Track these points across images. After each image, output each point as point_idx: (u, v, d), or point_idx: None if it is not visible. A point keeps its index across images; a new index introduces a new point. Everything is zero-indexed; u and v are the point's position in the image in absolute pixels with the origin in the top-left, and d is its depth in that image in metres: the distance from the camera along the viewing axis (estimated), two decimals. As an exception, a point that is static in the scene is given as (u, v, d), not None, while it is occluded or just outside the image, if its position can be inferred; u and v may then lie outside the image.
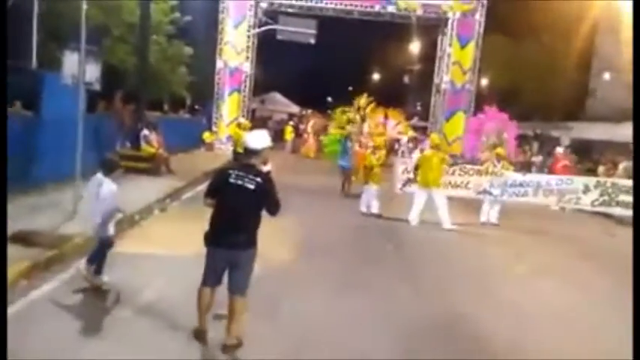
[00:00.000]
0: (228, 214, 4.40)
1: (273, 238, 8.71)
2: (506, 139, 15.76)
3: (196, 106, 30.35)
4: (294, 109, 41.30)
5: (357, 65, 49.09)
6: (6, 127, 5.97)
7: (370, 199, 10.93)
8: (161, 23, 16.77)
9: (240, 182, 4.31)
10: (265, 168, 4.52)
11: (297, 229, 9.23)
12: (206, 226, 4.57)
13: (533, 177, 11.43)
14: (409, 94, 49.70)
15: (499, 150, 12.09)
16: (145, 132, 14.31)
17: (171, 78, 19.19)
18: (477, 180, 11.05)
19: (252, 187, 4.29)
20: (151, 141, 14.33)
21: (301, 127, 31.26)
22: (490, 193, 11.07)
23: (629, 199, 10.96)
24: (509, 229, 10.79)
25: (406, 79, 50.02)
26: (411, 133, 22.45)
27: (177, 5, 18.69)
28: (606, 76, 27.12)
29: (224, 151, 22.14)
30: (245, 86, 24.05)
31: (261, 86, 40.44)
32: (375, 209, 10.87)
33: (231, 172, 4.42)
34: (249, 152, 4.43)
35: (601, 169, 17.67)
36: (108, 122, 14.08)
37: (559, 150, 17.57)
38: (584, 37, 25.65)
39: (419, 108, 42.87)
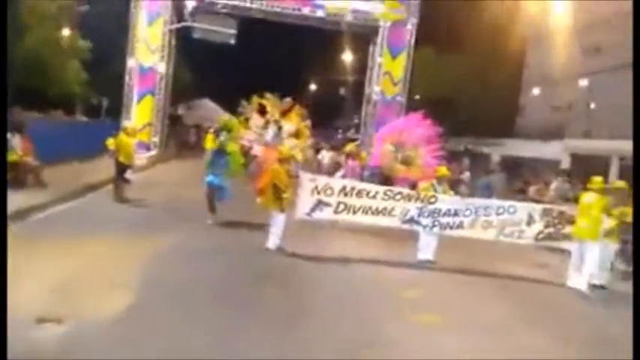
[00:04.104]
0: None
1: (117, 273, 6.08)
2: (422, 155, 12.35)
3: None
4: (226, 117, 37.88)
5: (293, 75, 46.47)
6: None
7: (278, 230, 8.10)
8: (44, 7, 13.30)
9: None
10: None
11: (156, 260, 6.77)
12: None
13: (472, 203, 8.92)
14: (346, 106, 47.66)
15: (442, 170, 9.48)
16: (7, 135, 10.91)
17: (62, 74, 15.63)
18: (404, 206, 8.51)
19: None
20: (13, 146, 10.98)
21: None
22: (418, 224, 8.56)
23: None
24: (441, 267, 8.43)
25: (342, 90, 47.94)
26: (351, 146, 19.41)
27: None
28: (535, 91, 25.85)
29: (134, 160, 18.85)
30: (160, 89, 20.78)
31: (191, 92, 37.09)
32: (276, 242, 8.09)
33: None
34: None
35: (532, 189, 15.81)
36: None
37: None
38: (514, 50, 24.23)
39: (356, 121, 40.74)
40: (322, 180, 8.44)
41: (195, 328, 4.91)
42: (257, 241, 8.28)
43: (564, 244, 8.97)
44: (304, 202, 8.10)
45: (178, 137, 24.71)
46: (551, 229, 8.91)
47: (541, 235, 8.92)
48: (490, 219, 8.92)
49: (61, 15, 14.97)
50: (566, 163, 20.26)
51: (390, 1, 21.65)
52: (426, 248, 8.75)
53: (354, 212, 8.30)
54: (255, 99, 11.00)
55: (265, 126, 10.71)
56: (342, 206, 8.21)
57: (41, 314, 4.75)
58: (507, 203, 9.15)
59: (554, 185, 14.70)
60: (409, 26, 21.69)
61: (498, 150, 23.57)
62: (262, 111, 10.80)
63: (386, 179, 13.63)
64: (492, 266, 9.06)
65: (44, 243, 7.21)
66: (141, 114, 20.56)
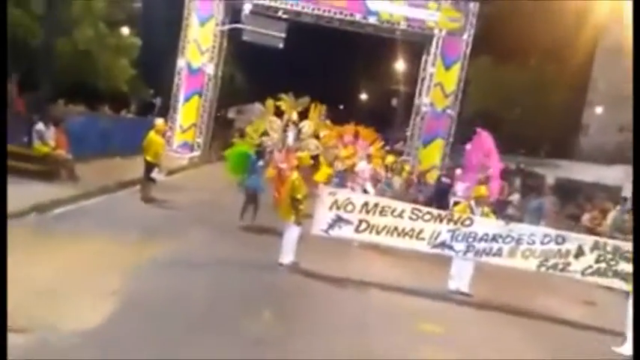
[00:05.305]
0: None
1: (105, 281, 5.45)
2: (491, 176, 11.43)
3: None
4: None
5: (345, 82, 45.84)
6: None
7: (292, 244, 7.43)
8: (93, 2, 13.28)
9: None
10: None
11: (154, 269, 6.22)
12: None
13: (516, 229, 7.85)
14: (397, 116, 46.32)
15: (481, 190, 8.47)
16: (40, 126, 10.94)
17: (110, 70, 15.66)
18: (435, 228, 7.61)
19: None
20: (46, 138, 10.99)
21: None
22: (450, 248, 7.64)
23: (630, 268, 7.53)
24: (472, 300, 7.49)
25: (394, 101, 46.76)
26: (391, 158, 18.67)
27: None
28: (599, 110, 23.76)
29: (176, 160, 18.82)
30: (207, 90, 20.70)
31: (244, 96, 37.25)
32: (290, 257, 7.41)
33: None
34: None
35: (586, 216, 14.30)
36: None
37: None
38: (580, 64, 22.32)
39: (408, 133, 39.48)
40: (343, 194, 7.66)
41: (164, 354, 4.30)
42: (273, 254, 7.63)
43: (615, 283, 7.81)
44: (322, 217, 7.34)
45: (224, 139, 24.64)
46: (602, 265, 7.76)
47: (589, 271, 7.77)
48: (533, 248, 7.86)
49: (112, 12, 14.99)
50: (628, 191, 18.39)
51: (448, 10, 20.66)
52: (459, 277, 7.81)
53: (378, 232, 7.46)
54: (270, 101, 10.41)
55: (285, 129, 10.08)
56: (364, 224, 7.39)
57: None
58: (555, 232, 8.05)
59: (611, 214, 13.27)
60: (465, 36, 20.60)
61: (554, 171, 21.82)
62: (279, 113, 10.20)
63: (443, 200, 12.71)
64: (532, 301, 8.04)
65: (47, 240, 6.91)
66: (187, 114, 20.58)
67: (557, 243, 7.85)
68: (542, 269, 7.87)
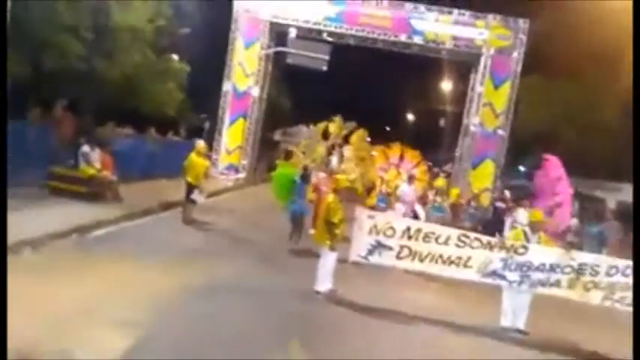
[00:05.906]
0: None
1: (130, 309, 5.19)
2: (561, 202, 10.66)
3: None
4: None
5: (391, 104, 45.25)
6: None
7: (328, 271, 6.96)
8: (141, 30, 13.52)
9: None
10: None
11: (180, 296, 5.87)
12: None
13: (577, 258, 7.05)
14: (445, 137, 45.34)
15: (537, 215, 7.61)
16: (85, 148, 11.04)
17: (157, 95, 15.90)
18: (485, 256, 6.95)
19: None
20: (92, 160, 11.06)
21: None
22: (503, 278, 6.95)
23: None
24: (535, 342, 6.69)
25: (442, 121, 45.81)
26: (441, 181, 17.98)
27: (165, 14, 15.39)
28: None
29: (222, 182, 18.88)
30: (252, 112, 20.72)
31: (290, 118, 37.36)
32: (327, 284, 6.93)
33: None
34: None
35: (654, 245, 12.96)
36: (43, 133, 10.96)
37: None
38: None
39: (457, 154, 38.34)
40: (383, 217, 7.16)
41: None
42: (313, 280, 7.16)
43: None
44: (360, 242, 6.84)
45: (270, 161, 24.63)
46: (675, 301, 6.85)
47: (661, 305, 6.89)
48: (597, 279, 7.07)
49: (158, 37, 15.27)
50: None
51: (497, 27, 19.96)
52: (512, 312, 7.04)
53: (421, 259, 6.88)
54: (320, 125, 10.16)
55: (330, 151, 9.79)
56: (405, 251, 6.84)
57: (18, 354, 4.03)
58: (623, 263, 7.19)
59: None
60: (515, 54, 19.80)
61: (615, 195, 20.30)
62: (326, 135, 9.93)
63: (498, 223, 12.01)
64: (596, 341, 7.16)
65: (82, 263, 6.77)
66: (232, 136, 20.67)
67: (625, 275, 7.02)
68: (607, 303, 7.08)
